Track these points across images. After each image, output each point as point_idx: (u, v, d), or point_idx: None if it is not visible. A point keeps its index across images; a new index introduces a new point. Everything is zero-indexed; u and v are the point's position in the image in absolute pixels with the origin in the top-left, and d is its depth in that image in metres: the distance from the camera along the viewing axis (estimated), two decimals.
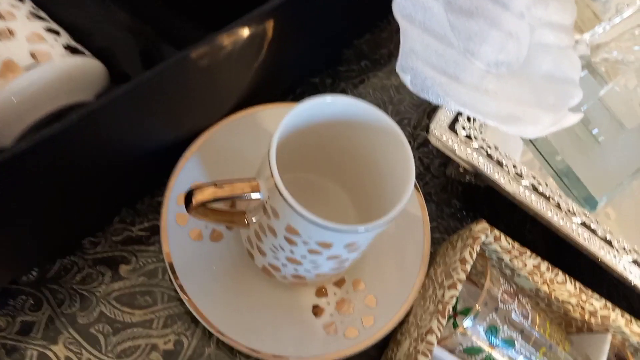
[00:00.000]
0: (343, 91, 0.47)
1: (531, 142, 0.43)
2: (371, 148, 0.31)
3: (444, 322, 0.31)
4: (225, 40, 0.28)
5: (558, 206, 0.36)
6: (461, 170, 0.42)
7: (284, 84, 0.42)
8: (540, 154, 0.43)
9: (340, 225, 0.25)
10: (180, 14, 0.35)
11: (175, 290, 0.35)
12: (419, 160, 0.46)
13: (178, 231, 0.33)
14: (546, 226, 0.37)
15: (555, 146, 0.43)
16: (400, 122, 0.44)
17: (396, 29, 0.51)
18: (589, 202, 0.41)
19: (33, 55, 0.24)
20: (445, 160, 0.46)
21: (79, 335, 0.32)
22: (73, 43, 0.27)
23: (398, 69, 0.32)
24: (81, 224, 0.33)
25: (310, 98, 0.27)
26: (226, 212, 0.31)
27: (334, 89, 0.46)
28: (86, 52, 0.27)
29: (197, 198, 0.26)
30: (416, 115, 0.48)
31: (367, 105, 0.28)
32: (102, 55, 0.28)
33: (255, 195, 0.27)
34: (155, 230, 0.36)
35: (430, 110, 0.50)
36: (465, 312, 0.34)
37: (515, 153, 0.41)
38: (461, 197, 0.45)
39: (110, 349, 0.33)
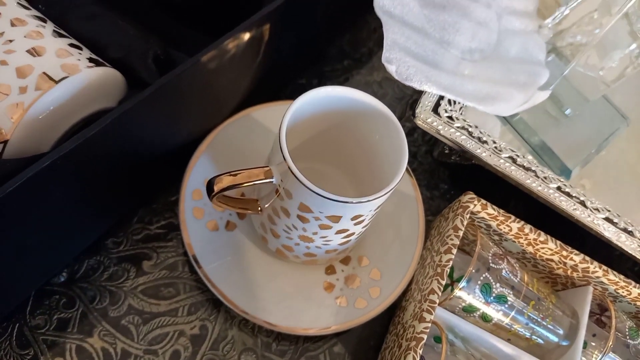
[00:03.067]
0: None
1: (508, 122, 0.47)
2: (368, 133, 0.34)
3: (442, 282, 0.35)
4: (231, 43, 0.31)
5: (535, 175, 0.40)
6: (446, 151, 0.46)
7: (275, 84, 0.46)
8: (517, 132, 0.47)
9: (348, 198, 0.28)
10: (179, 24, 0.38)
11: (196, 281, 0.38)
12: None
13: (196, 224, 0.36)
14: (527, 197, 0.41)
15: (530, 124, 0.47)
16: None
17: (374, 28, 0.55)
18: (564, 172, 0.45)
19: (63, 69, 0.27)
20: (430, 147, 0.50)
21: (111, 327, 0.35)
22: (94, 56, 0.30)
23: (384, 60, 0.35)
24: (105, 223, 0.36)
25: (312, 90, 0.31)
26: (241, 200, 0.34)
27: None
28: (106, 63, 0.30)
29: (218, 186, 0.30)
30: (399, 107, 0.52)
31: (363, 93, 0.32)
32: (117, 65, 0.31)
33: (269, 180, 0.30)
34: (171, 227, 0.39)
35: (412, 102, 0.54)
36: (461, 280, 0.38)
37: (494, 134, 0.45)
38: (448, 180, 0.49)
39: (141, 337, 0.35)
